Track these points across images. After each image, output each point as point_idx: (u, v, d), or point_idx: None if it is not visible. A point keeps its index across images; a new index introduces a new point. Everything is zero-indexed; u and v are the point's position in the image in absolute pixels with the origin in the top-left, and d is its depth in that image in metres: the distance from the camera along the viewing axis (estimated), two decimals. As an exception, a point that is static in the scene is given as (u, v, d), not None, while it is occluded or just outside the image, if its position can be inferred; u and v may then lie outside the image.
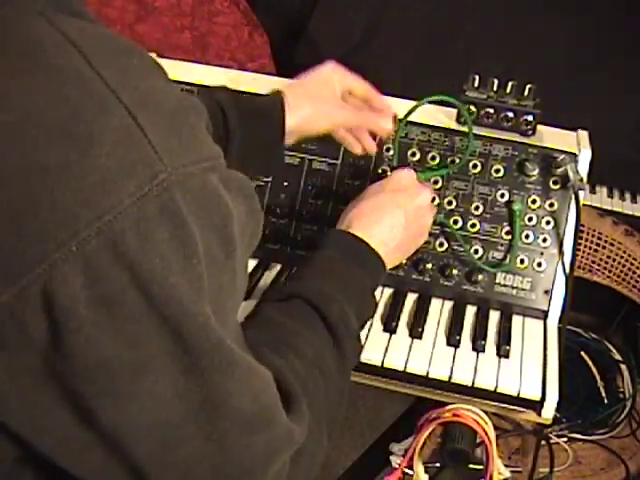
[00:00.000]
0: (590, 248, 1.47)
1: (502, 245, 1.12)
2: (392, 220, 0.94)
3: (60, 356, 0.50)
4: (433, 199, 1.08)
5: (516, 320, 1.11)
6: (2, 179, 0.48)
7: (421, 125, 1.16)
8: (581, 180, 1.08)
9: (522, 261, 1.11)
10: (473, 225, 1.13)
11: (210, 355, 0.55)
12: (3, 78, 0.49)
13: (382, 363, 1.02)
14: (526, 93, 1.13)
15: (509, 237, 1.12)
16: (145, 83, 0.53)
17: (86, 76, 0.50)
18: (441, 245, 1.13)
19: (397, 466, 1.10)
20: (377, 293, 1.12)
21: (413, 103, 1.18)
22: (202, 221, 0.53)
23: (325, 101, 1.01)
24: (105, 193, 0.48)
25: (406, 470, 1.09)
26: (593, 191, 1.79)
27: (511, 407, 1.01)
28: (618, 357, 1.53)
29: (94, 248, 0.48)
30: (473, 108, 1.13)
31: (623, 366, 1.51)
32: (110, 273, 0.49)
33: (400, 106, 1.18)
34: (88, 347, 0.50)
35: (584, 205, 1.18)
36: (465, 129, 1.14)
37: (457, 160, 1.14)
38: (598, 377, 1.50)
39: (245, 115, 0.97)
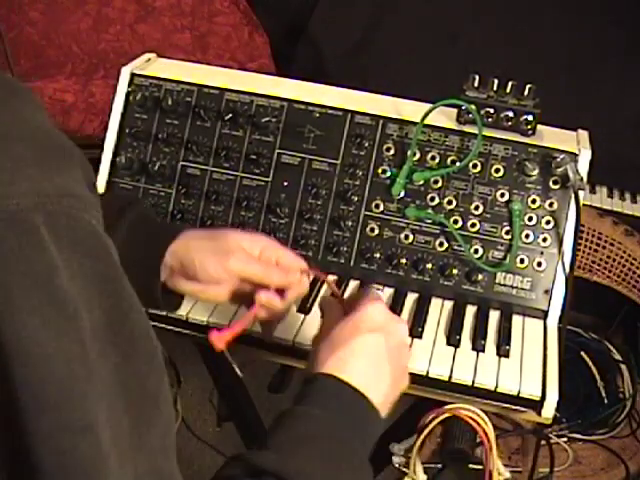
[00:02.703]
0: (590, 248, 1.47)
1: (502, 245, 1.12)
2: (379, 368, 0.77)
3: None
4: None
5: (516, 320, 1.11)
6: None
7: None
8: (581, 180, 1.08)
9: (522, 261, 1.11)
10: (473, 225, 1.13)
11: None
12: None
13: (382, 363, 1.02)
14: (526, 93, 1.13)
15: (509, 237, 1.12)
16: None
17: None
18: (441, 245, 1.13)
19: (397, 466, 1.10)
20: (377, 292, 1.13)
21: (413, 103, 1.19)
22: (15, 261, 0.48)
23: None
24: None
25: (405, 470, 1.09)
26: (593, 191, 1.79)
27: (511, 407, 1.01)
28: (618, 357, 1.53)
29: None
30: (473, 108, 1.13)
31: (623, 366, 1.51)
32: None
33: (402, 107, 1.18)
34: None
35: (584, 205, 1.18)
36: (466, 129, 1.14)
37: (457, 160, 1.14)
38: (598, 377, 1.50)
39: (133, 226, 0.89)
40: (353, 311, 0.80)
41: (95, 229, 0.52)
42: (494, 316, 1.11)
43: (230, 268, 0.87)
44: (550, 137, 1.15)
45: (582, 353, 1.51)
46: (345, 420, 0.71)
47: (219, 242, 0.88)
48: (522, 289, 1.11)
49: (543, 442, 1.23)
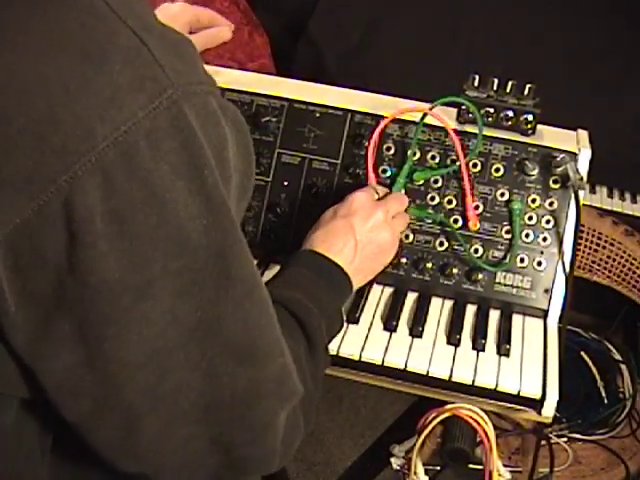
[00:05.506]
0: (590, 248, 1.47)
1: (502, 244, 1.12)
2: (346, 243, 0.97)
3: (71, 276, 0.52)
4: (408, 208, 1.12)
5: (516, 319, 1.11)
6: (27, 99, 0.51)
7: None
8: (581, 179, 1.08)
9: (522, 260, 1.11)
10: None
11: (209, 265, 0.57)
12: (25, 8, 0.54)
13: (382, 362, 1.02)
14: (526, 93, 1.12)
15: (509, 236, 1.12)
16: (147, 17, 0.59)
17: (97, 6, 0.55)
18: (441, 244, 1.13)
19: (397, 468, 1.10)
20: (377, 292, 1.14)
21: (413, 103, 1.19)
22: (205, 138, 0.56)
23: None
24: (118, 107, 0.52)
25: (405, 472, 1.09)
26: (593, 191, 1.79)
27: (511, 406, 1.01)
28: (618, 357, 1.53)
29: (111, 159, 0.52)
30: (473, 107, 1.13)
31: (623, 366, 1.51)
32: (125, 185, 0.52)
33: (402, 107, 1.18)
34: (98, 264, 0.53)
35: (584, 205, 1.18)
36: (466, 129, 1.14)
37: (457, 160, 1.13)
38: (598, 377, 1.50)
39: None
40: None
41: (231, 106, 0.64)
42: (494, 315, 1.11)
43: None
44: (550, 137, 1.15)
45: (582, 353, 1.51)
46: (319, 275, 0.92)
47: None
48: (522, 288, 1.11)
49: (543, 442, 1.23)
